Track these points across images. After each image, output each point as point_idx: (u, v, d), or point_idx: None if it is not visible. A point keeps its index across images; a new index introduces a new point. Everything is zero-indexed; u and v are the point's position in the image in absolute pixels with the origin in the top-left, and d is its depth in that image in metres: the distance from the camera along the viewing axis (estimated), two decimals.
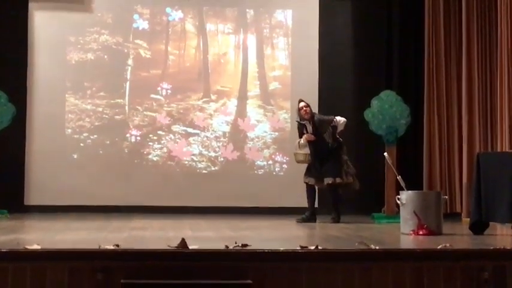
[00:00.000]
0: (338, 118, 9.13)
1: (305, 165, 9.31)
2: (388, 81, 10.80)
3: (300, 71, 11.37)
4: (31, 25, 11.04)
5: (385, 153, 8.69)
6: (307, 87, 11.27)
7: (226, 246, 5.47)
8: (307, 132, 9.11)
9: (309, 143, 9.09)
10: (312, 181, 9.12)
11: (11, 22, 10.95)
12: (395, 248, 5.94)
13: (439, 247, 5.56)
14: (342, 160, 9.01)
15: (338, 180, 8.97)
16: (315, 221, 9.06)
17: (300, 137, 9.21)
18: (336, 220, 8.99)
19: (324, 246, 5.59)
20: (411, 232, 7.25)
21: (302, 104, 9.16)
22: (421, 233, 7.17)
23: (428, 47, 10.33)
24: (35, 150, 10.91)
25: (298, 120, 9.25)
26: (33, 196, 10.83)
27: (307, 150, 9.15)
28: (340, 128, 9.12)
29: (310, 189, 9.19)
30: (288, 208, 10.86)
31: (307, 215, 9.10)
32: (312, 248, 5.46)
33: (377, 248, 5.51)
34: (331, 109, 11.15)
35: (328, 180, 8.98)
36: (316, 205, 9.31)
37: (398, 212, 8.52)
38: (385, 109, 9.68)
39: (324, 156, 9.04)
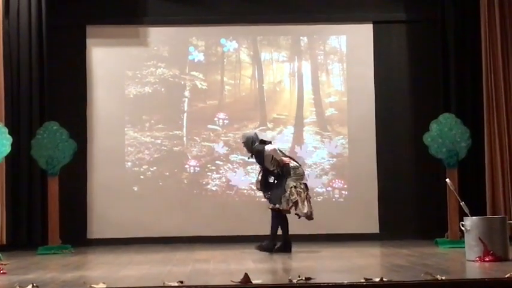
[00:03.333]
0: (266, 147, 9.03)
1: None
2: (446, 103, 10.65)
3: (356, 96, 11.33)
4: (89, 61, 11.26)
5: (447, 179, 8.55)
6: (363, 112, 11.25)
7: (290, 280, 5.45)
8: None
9: (262, 170, 9.17)
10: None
11: (69, 59, 11.17)
12: (462, 278, 5.82)
13: (507, 276, 5.45)
14: (286, 187, 8.86)
15: (277, 206, 8.88)
16: (274, 251, 8.89)
17: None
18: (281, 249, 8.85)
19: (388, 278, 5.54)
20: (477, 259, 7.13)
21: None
22: (487, 259, 7.05)
23: (486, 67, 10.18)
24: (96, 184, 11.07)
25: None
26: (96, 229, 10.97)
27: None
28: (275, 156, 8.99)
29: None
30: (349, 235, 10.82)
31: (270, 243, 9.01)
32: (377, 280, 5.41)
33: (443, 278, 5.43)
34: (388, 133, 11.18)
35: (269, 206, 8.98)
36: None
37: (462, 237, 8.40)
38: (445, 132, 9.57)
39: (273, 182, 9.07)
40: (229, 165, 11.29)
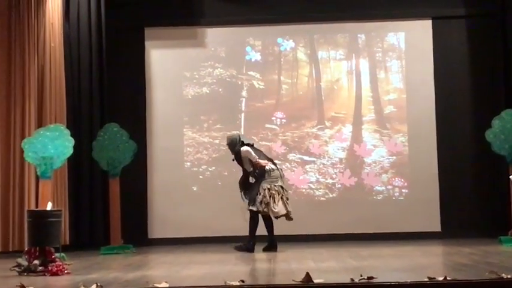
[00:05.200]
0: (241, 148, 9.25)
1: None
2: (508, 99, 10.46)
3: (415, 93, 11.20)
4: (148, 63, 11.38)
5: (511, 176, 8.38)
6: (423, 109, 11.12)
7: (352, 280, 5.41)
8: None
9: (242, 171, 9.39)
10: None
11: (128, 61, 11.31)
12: None
13: None
14: (260, 188, 9.08)
15: (252, 208, 9.10)
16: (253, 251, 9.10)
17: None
18: (267, 249, 9.11)
19: (452, 276, 5.45)
20: None
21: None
22: None
23: None
24: (156, 185, 11.18)
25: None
26: (156, 229, 11.08)
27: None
28: (249, 157, 9.21)
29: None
30: (410, 233, 10.69)
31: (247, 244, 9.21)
32: (441, 278, 5.33)
33: (509, 276, 5.32)
34: (449, 130, 11.00)
35: (247, 207, 9.18)
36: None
37: None
38: (508, 128, 9.39)
39: (251, 183, 9.26)
40: (287, 164, 11.26)
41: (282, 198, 9.11)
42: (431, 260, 7.65)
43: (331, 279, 5.63)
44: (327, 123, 11.32)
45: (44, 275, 6.90)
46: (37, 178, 9.07)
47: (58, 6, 10.28)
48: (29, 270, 7.03)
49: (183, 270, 6.97)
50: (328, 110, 11.37)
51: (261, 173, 9.16)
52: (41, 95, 9.92)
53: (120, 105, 11.08)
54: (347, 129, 11.29)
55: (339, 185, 11.20)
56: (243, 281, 5.41)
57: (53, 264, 7.05)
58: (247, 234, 10.81)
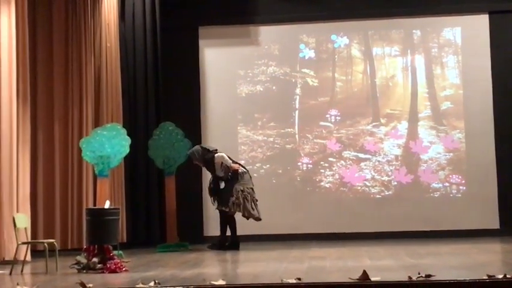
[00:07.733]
0: (215, 155, 9.56)
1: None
2: None
3: (472, 89, 11.03)
4: (202, 62, 11.44)
5: None
6: (481, 105, 10.96)
7: (410, 277, 5.36)
8: None
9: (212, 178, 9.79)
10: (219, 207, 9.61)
11: (182, 60, 11.38)
12: None
13: None
14: (233, 191, 9.39)
15: (224, 208, 9.42)
16: (224, 249, 9.40)
17: None
18: (229, 247, 9.40)
19: None
20: None
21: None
22: None
23: None
24: None
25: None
26: (212, 227, 11.09)
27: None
28: (224, 162, 9.54)
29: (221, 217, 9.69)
30: (467, 231, 10.56)
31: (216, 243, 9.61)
32: (500, 276, 5.24)
33: None
34: (508, 126, 10.82)
35: (218, 207, 9.51)
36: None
37: None
38: None
39: (222, 186, 9.61)
40: (342, 162, 11.22)
41: (253, 200, 9.50)
42: (490, 258, 7.51)
43: (389, 277, 5.58)
44: (382, 120, 11.23)
45: (103, 272, 6.99)
46: (95, 177, 9.21)
47: (114, 7, 10.42)
48: (88, 268, 7.13)
49: (240, 268, 7.00)
50: (383, 106, 11.28)
51: (233, 176, 9.53)
52: (97, 95, 10.07)
53: (175, 104, 11.16)
54: (402, 126, 11.18)
55: (395, 183, 11.10)
56: (299, 279, 5.40)
57: (111, 261, 7.14)
58: (302, 232, 10.87)
